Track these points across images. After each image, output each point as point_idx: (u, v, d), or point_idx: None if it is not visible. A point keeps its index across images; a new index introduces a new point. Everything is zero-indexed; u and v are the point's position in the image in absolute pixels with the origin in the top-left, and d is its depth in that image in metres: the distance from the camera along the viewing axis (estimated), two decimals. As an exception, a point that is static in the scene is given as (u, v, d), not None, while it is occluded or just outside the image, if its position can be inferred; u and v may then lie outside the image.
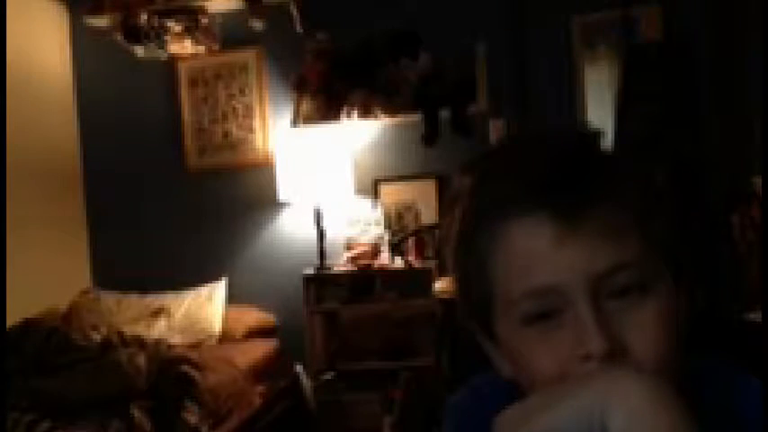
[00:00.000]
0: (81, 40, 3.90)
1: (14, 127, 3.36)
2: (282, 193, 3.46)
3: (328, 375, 3.34)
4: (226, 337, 3.41)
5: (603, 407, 0.48)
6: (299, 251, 3.62)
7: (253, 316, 3.56)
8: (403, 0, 3.46)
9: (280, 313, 3.62)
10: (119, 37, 3.38)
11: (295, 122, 3.52)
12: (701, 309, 0.73)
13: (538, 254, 0.56)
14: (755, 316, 1.91)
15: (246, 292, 3.67)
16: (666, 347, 0.55)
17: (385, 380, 3.17)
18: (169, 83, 3.83)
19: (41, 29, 3.78)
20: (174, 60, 3.69)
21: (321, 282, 3.45)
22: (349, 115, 3.38)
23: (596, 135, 0.62)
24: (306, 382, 3.34)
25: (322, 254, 3.45)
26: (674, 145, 2.84)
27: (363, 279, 3.39)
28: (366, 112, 3.37)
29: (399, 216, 3.57)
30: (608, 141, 0.62)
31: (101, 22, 3.55)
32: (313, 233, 3.49)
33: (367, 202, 3.57)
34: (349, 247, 3.43)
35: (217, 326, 3.44)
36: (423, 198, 3.53)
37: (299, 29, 3.47)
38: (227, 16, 3.58)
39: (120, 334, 2.93)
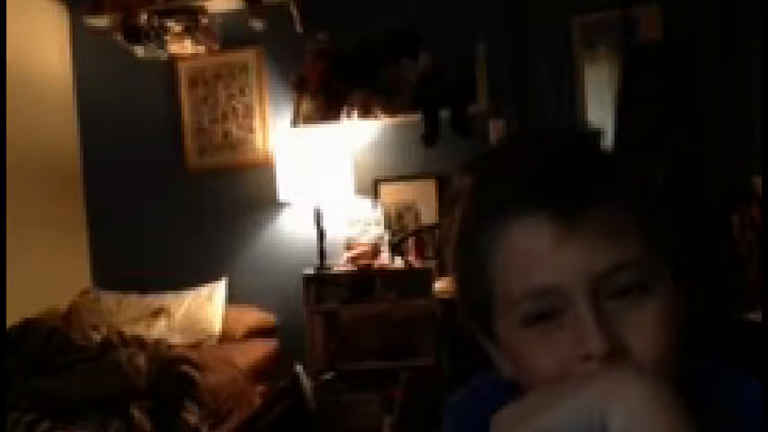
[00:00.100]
0: (81, 40, 3.90)
1: (14, 127, 3.36)
2: (282, 193, 3.46)
3: (328, 375, 3.35)
4: (226, 337, 3.41)
5: (603, 407, 0.48)
6: (299, 251, 3.62)
7: (253, 316, 3.56)
8: (403, 0, 3.46)
9: (280, 313, 3.63)
10: (119, 37, 3.38)
11: (295, 122, 3.52)
12: (700, 309, 0.73)
13: (538, 254, 0.56)
14: (755, 316, 1.91)
15: (246, 292, 3.67)
16: (666, 347, 0.55)
17: (385, 380, 3.18)
18: (169, 83, 3.83)
19: (41, 29, 3.78)
20: (174, 60, 3.69)
21: (321, 282, 3.45)
22: (349, 115, 3.38)
23: (596, 135, 0.62)
24: (306, 382, 3.34)
25: (322, 254, 3.45)
26: (674, 145, 2.84)
27: (363, 279, 3.39)
28: (366, 112, 3.37)
29: (399, 216, 3.57)
30: (608, 141, 0.62)
31: (101, 22, 3.55)
32: (313, 233, 3.49)
33: (367, 202, 3.57)
34: (349, 247, 3.43)
35: (217, 326, 3.44)
36: (423, 198, 3.53)
37: (299, 29, 3.47)
38: (227, 16, 3.58)
39: (120, 334, 2.93)
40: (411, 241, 3.39)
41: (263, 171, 3.69)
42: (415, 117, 3.32)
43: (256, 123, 3.76)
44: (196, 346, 3.27)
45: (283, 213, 3.71)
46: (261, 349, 3.35)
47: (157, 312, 3.46)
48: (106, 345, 2.81)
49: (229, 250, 3.78)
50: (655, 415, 0.47)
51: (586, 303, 0.54)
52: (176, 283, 3.62)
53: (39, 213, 3.57)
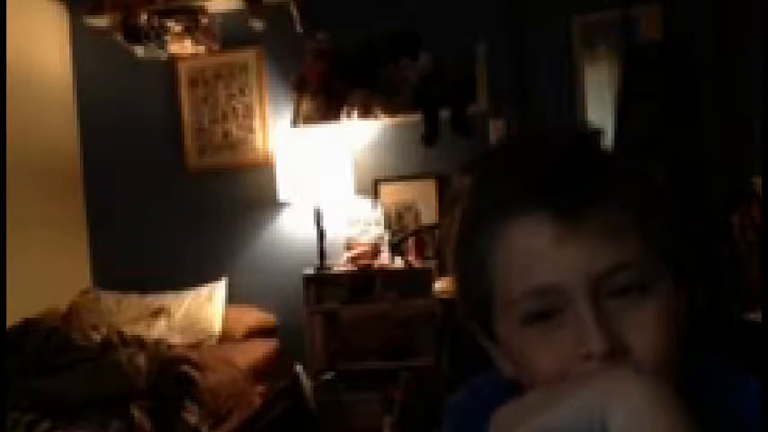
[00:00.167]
0: (81, 40, 3.90)
1: (14, 127, 3.36)
2: (282, 193, 3.46)
3: (328, 375, 3.35)
4: (226, 337, 3.41)
5: (604, 406, 0.48)
6: (299, 251, 3.62)
7: (253, 316, 3.56)
8: (403, 0, 3.46)
9: (280, 313, 3.63)
10: (119, 37, 3.38)
11: (295, 122, 3.52)
12: (701, 309, 0.73)
13: (538, 253, 0.56)
14: (755, 316, 1.91)
15: (246, 292, 3.67)
16: (666, 347, 0.55)
17: (385, 380, 3.17)
18: (169, 83, 3.83)
19: (41, 29, 3.78)
20: (174, 60, 3.69)
21: (321, 282, 3.45)
22: (349, 115, 3.38)
23: (596, 135, 0.62)
24: (306, 382, 3.34)
25: (322, 254, 3.45)
26: (674, 145, 2.84)
27: (363, 279, 3.39)
28: (366, 112, 3.37)
29: (399, 216, 3.57)
30: (608, 141, 0.62)
31: (101, 22, 3.55)
32: (313, 233, 3.49)
33: (367, 202, 3.57)
34: (349, 247, 3.43)
35: (217, 326, 3.44)
36: (423, 198, 3.53)
37: (299, 29, 3.47)
38: (227, 16, 3.58)
39: (120, 334, 2.93)
40: (411, 241, 3.39)
41: (263, 171, 3.69)
42: (415, 117, 3.32)
43: (256, 123, 3.76)
44: (196, 346, 3.27)
45: (283, 213, 3.70)
46: (261, 349, 3.35)
47: (157, 312, 3.46)
48: (106, 345, 2.81)
49: (229, 250, 3.79)
50: (655, 415, 0.47)
51: (587, 303, 0.54)
52: (176, 283, 3.62)
53: (39, 213, 3.57)
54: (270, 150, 3.68)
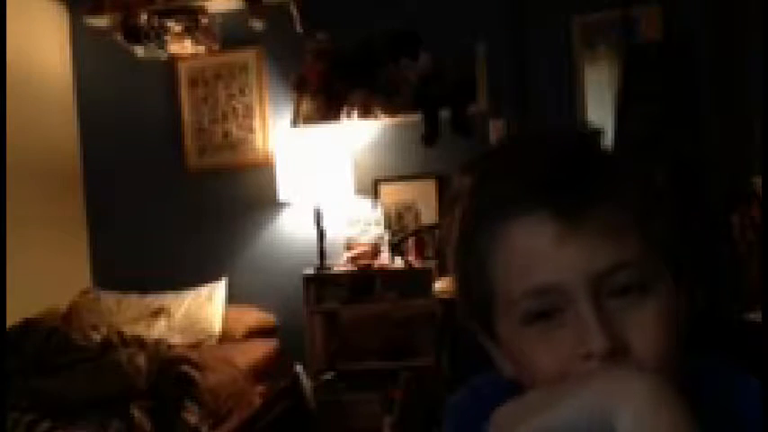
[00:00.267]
0: (81, 40, 3.90)
1: (14, 127, 3.36)
2: (282, 193, 3.46)
3: (328, 375, 3.35)
4: (226, 337, 3.41)
5: (610, 406, 0.48)
6: (299, 251, 3.62)
7: (253, 316, 3.56)
8: (403, 0, 3.46)
9: (280, 313, 3.63)
10: (119, 37, 3.38)
11: (295, 122, 3.52)
12: (701, 309, 0.73)
13: (539, 253, 0.56)
14: (755, 316, 1.91)
15: (246, 292, 3.67)
16: (666, 347, 0.55)
17: (385, 380, 3.17)
18: (169, 83, 3.83)
19: (41, 29, 3.78)
20: (174, 60, 3.69)
21: (321, 282, 3.45)
22: (349, 115, 3.38)
23: (596, 135, 0.62)
24: (306, 382, 3.34)
25: (322, 254, 3.45)
26: (674, 145, 2.84)
27: (363, 279, 3.39)
28: (366, 112, 3.37)
29: (399, 216, 3.57)
30: (608, 141, 0.62)
31: (101, 22, 3.55)
32: (313, 233, 3.49)
33: (367, 202, 3.57)
34: (349, 247, 3.43)
35: (217, 326, 3.44)
36: (423, 198, 3.53)
37: (299, 29, 3.47)
38: (227, 16, 3.58)
39: (120, 334, 2.93)
40: (411, 241, 3.39)
41: (263, 171, 3.69)
42: (415, 117, 3.32)
43: (256, 123, 3.76)
44: (196, 346, 3.27)
45: (283, 213, 3.70)
46: (261, 349, 3.35)
47: (157, 312, 3.46)
48: (106, 345, 2.81)
49: (229, 250, 3.79)
50: (662, 414, 0.47)
51: (587, 302, 0.54)
52: (176, 283, 3.62)
53: (39, 213, 3.57)
54: (270, 150, 3.68)
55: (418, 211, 3.54)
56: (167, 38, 3.36)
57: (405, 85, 3.32)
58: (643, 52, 3.08)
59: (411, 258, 3.32)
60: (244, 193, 3.76)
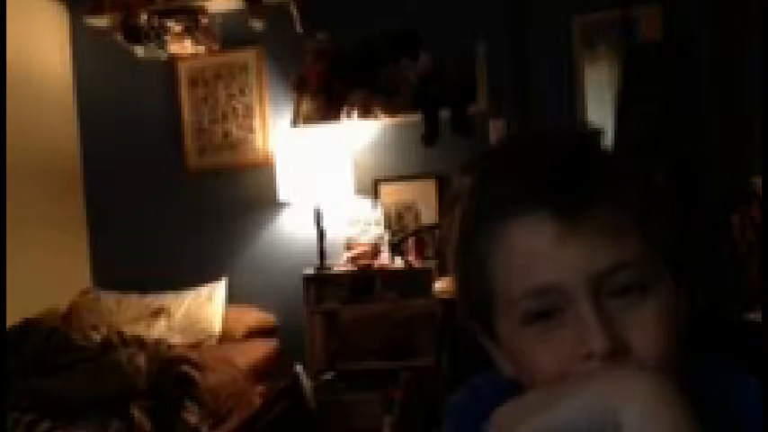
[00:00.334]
0: (81, 40, 3.90)
1: (14, 127, 3.36)
2: (282, 193, 3.46)
3: (328, 375, 3.35)
4: (226, 337, 3.41)
5: (613, 405, 0.48)
6: (299, 251, 3.62)
7: (253, 316, 3.56)
8: (403, 0, 3.46)
9: (280, 313, 3.62)
10: (119, 37, 3.38)
11: (295, 122, 3.52)
12: (701, 309, 0.73)
13: (539, 253, 0.56)
14: (755, 316, 1.91)
15: (246, 292, 3.67)
16: (667, 347, 0.55)
17: (385, 380, 3.17)
18: (169, 83, 3.83)
19: (41, 29, 3.78)
20: (174, 60, 3.69)
21: (321, 282, 3.45)
22: (349, 115, 3.38)
23: (596, 135, 0.62)
24: (306, 382, 3.34)
25: (322, 254, 3.45)
26: (674, 145, 2.84)
27: (363, 279, 3.39)
28: (366, 112, 3.37)
29: (399, 216, 3.57)
30: (608, 141, 0.62)
31: (101, 22, 3.55)
32: (313, 233, 3.49)
33: (367, 202, 3.57)
34: (349, 247, 3.43)
35: (217, 326, 3.44)
36: (423, 198, 3.53)
37: (299, 29, 3.47)
38: (227, 16, 3.58)
39: (120, 334, 2.93)
40: (411, 241, 3.39)
41: (263, 171, 3.69)
42: (415, 117, 3.32)
43: (256, 123, 3.76)
44: (196, 346, 3.27)
45: (283, 213, 3.70)
46: (261, 349, 3.35)
47: (157, 312, 3.46)
48: (106, 345, 2.81)
49: (229, 250, 3.78)
50: (668, 413, 0.47)
51: (588, 302, 0.54)
52: (176, 283, 3.62)
53: (39, 213, 3.57)
54: (270, 150, 3.68)
55: (418, 211, 3.54)
56: (167, 38, 3.36)
57: (405, 85, 3.32)
58: (643, 52, 3.08)
59: (411, 258, 3.32)
60: (244, 193, 3.76)
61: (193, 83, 3.81)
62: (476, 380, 0.71)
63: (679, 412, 0.48)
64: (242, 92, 3.77)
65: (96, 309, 3.53)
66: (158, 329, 3.34)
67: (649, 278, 0.56)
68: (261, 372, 3.21)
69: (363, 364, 3.35)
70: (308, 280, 3.40)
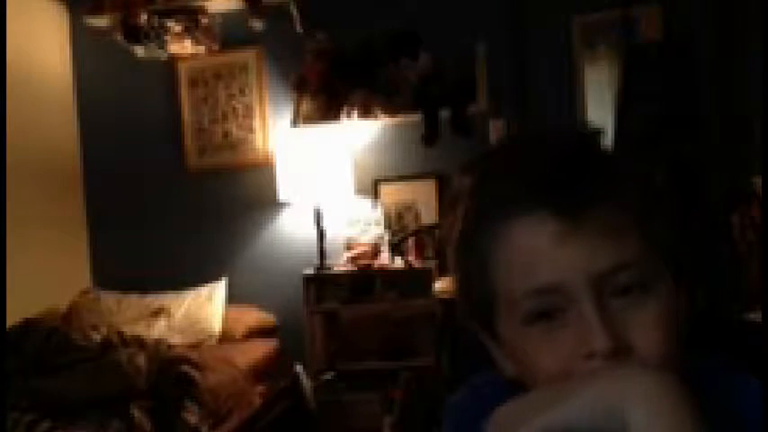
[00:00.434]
0: (81, 40, 3.90)
1: (14, 127, 3.36)
2: (282, 193, 3.46)
3: (328, 375, 3.34)
4: (226, 337, 3.41)
5: (618, 405, 0.48)
6: (299, 251, 3.62)
7: (253, 316, 3.56)
8: (403, 0, 3.46)
9: (280, 313, 3.62)
10: (119, 37, 3.38)
11: (295, 122, 3.52)
12: (701, 309, 0.73)
13: (540, 252, 0.56)
14: (755, 316, 1.91)
15: (246, 292, 3.67)
16: (668, 346, 0.55)
17: (385, 380, 3.17)
18: (169, 83, 3.83)
19: (41, 29, 3.78)
20: (174, 60, 3.69)
21: (321, 282, 3.45)
22: (349, 115, 3.38)
23: (596, 135, 0.62)
24: (306, 382, 3.34)
25: (322, 254, 3.45)
26: (674, 145, 2.84)
27: (363, 279, 3.39)
28: (366, 112, 3.37)
29: (399, 216, 3.57)
30: (608, 141, 0.62)
31: (101, 22, 3.55)
32: (313, 233, 3.49)
33: (367, 202, 3.57)
34: (349, 247, 3.43)
35: (217, 326, 3.44)
36: (423, 198, 3.53)
37: (299, 29, 3.47)
38: (227, 16, 3.58)
39: (120, 334, 2.93)
40: (411, 241, 3.39)
41: (263, 171, 3.69)
42: (415, 117, 3.32)
43: (256, 123, 3.76)
44: (196, 346, 3.26)
45: (283, 213, 3.71)
46: (261, 349, 3.35)
47: (157, 312, 3.46)
48: (106, 345, 2.80)
49: (229, 250, 3.78)
50: (675, 411, 0.48)
51: (590, 301, 0.55)
52: (176, 283, 3.62)
53: (39, 213, 3.57)
54: (270, 150, 3.68)
55: (418, 211, 3.54)
56: (167, 38, 3.36)
57: (405, 85, 3.33)
58: (643, 52, 3.08)
59: (411, 258, 3.32)
60: (244, 193, 3.76)
61: (193, 83, 3.81)
62: (476, 380, 0.71)
63: (685, 411, 0.48)
64: (242, 92, 3.77)
65: (96, 309, 3.53)
66: (158, 329, 3.34)
67: (650, 278, 0.56)
68: (261, 372, 3.21)
69: (363, 364, 3.35)
70: (308, 280, 3.40)
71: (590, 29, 3.33)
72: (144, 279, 3.70)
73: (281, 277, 3.63)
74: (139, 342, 2.86)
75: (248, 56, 3.73)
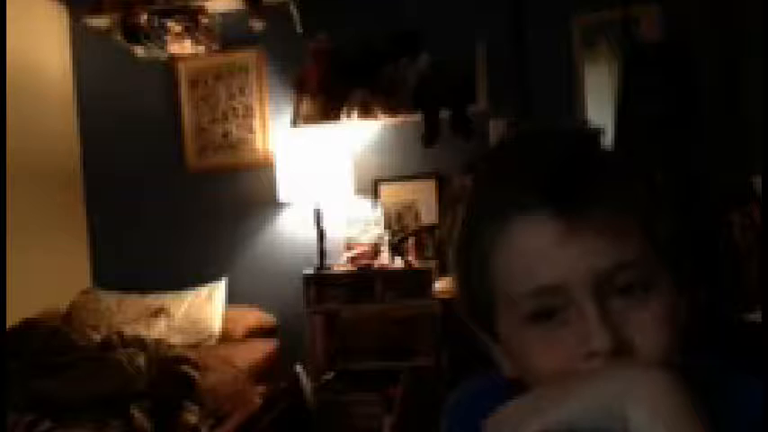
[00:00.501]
0: (81, 40, 3.90)
1: (14, 127, 3.36)
2: (282, 193, 3.46)
3: (328, 375, 3.34)
4: (226, 337, 3.41)
5: (622, 404, 0.48)
6: (299, 251, 3.62)
7: (253, 316, 3.56)
8: (403, 1, 3.46)
9: (280, 313, 3.62)
10: (119, 37, 3.38)
11: (295, 122, 3.52)
12: (701, 309, 0.73)
13: (540, 253, 0.56)
14: (755, 316, 1.91)
15: (246, 292, 3.67)
16: (669, 346, 0.55)
17: (385, 380, 3.18)
18: (169, 83, 3.83)
19: (41, 29, 3.78)
20: (174, 60, 3.69)
21: (321, 282, 3.44)
22: (349, 115, 3.38)
23: (596, 135, 0.62)
24: (306, 382, 3.34)
25: (322, 254, 3.45)
26: (674, 145, 2.84)
27: (363, 279, 3.39)
28: (366, 112, 3.37)
29: (399, 216, 3.57)
30: (608, 141, 0.62)
31: (101, 22, 3.55)
32: (313, 233, 3.49)
33: (367, 202, 3.57)
34: (349, 247, 3.42)
35: (217, 326, 3.44)
36: (423, 198, 3.53)
37: (299, 29, 3.47)
38: (227, 16, 3.58)
39: (120, 334, 2.93)
40: (411, 241, 3.39)
41: (263, 171, 3.69)
42: (415, 117, 3.32)
43: (256, 123, 3.75)
44: (196, 346, 3.26)
45: (283, 213, 3.70)
46: (261, 349, 3.35)
47: (157, 312, 3.46)
48: (106, 345, 2.81)
49: (229, 250, 3.78)
50: (676, 410, 0.48)
51: (590, 301, 0.55)
52: (176, 283, 3.62)
53: (39, 213, 3.57)
54: (270, 150, 3.68)
55: (418, 211, 3.54)
56: (167, 38, 3.36)
57: (405, 85, 3.32)
58: (643, 52, 3.08)
59: (411, 258, 3.32)
60: (244, 194, 3.76)
61: (193, 83, 3.81)
62: (475, 379, 0.71)
63: (687, 410, 0.48)
64: (242, 92, 3.77)
65: (96, 309, 3.53)
66: (158, 329, 3.34)
67: (651, 277, 0.56)
68: (261, 372, 3.21)
69: (363, 364, 3.34)
70: (308, 280, 3.40)
71: (590, 29, 3.33)
72: (144, 279, 3.70)
73: (281, 277, 3.63)
74: (139, 342, 2.86)
75: (248, 56, 3.73)
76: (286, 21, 3.47)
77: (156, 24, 3.34)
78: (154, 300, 3.55)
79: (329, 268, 3.44)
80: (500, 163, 0.62)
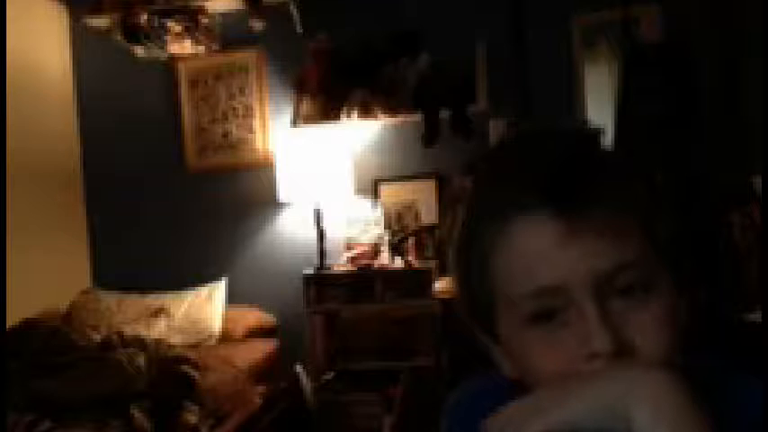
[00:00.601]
0: (81, 40, 3.90)
1: (14, 127, 3.36)
2: (282, 193, 3.46)
3: (328, 375, 3.34)
4: (226, 337, 3.41)
5: (625, 404, 0.48)
6: (299, 251, 3.62)
7: (253, 316, 3.56)
8: (403, 1, 3.46)
9: (280, 313, 3.62)
10: (119, 37, 3.38)
11: (295, 122, 3.52)
12: (701, 309, 0.73)
13: (540, 254, 0.56)
14: (755, 316, 1.91)
15: (246, 292, 3.67)
16: (669, 346, 0.55)
17: (385, 380, 3.18)
18: (169, 83, 3.83)
19: (41, 29, 3.78)
20: (174, 60, 3.69)
21: (321, 282, 3.44)
22: (349, 115, 3.38)
23: (596, 135, 0.62)
24: (306, 382, 3.34)
25: (322, 254, 3.45)
26: (674, 145, 2.84)
27: (363, 279, 3.39)
28: (366, 112, 3.37)
29: (399, 216, 3.57)
30: (608, 141, 0.62)
31: (101, 22, 3.55)
32: (313, 233, 3.49)
33: (367, 202, 3.57)
34: (349, 247, 3.42)
35: (217, 326, 3.44)
36: (423, 198, 3.53)
37: (299, 29, 3.47)
38: (227, 16, 3.58)
39: (120, 334, 2.93)
40: (411, 241, 3.39)
41: (263, 171, 3.69)
42: (415, 117, 3.32)
43: (256, 123, 3.75)
44: (196, 346, 3.26)
45: (283, 213, 3.70)
46: (261, 349, 3.35)
47: (157, 312, 3.46)
48: (106, 345, 2.81)
49: (229, 250, 3.78)
50: (679, 410, 0.48)
51: (591, 302, 0.54)
52: (176, 283, 3.62)
53: (39, 213, 3.57)
54: (270, 150, 3.68)
55: (418, 211, 3.54)
56: (167, 38, 3.36)
57: (405, 85, 3.32)
58: (643, 52, 3.08)
59: (411, 258, 3.32)
60: (244, 194, 3.76)
61: (193, 83, 3.81)
62: (475, 380, 0.71)
63: (689, 410, 0.48)
64: (242, 92, 3.77)
65: (96, 309, 3.53)
66: (158, 329, 3.34)
67: (651, 278, 0.56)
68: (261, 372, 3.21)
69: (363, 364, 3.34)
70: (308, 280, 3.40)
71: (590, 29, 3.33)
72: (144, 279, 3.70)
73: (281, 277, 3.63)
74: (139, 342, 2.86)
75: (248, 56, 3.73)
76: (286, 21, 3.47)
77: (156, 24, 3.34)
78: (154, 300, 3.55)
79: (329, 268, 3.44)
80: (500, 163, 0.61)
